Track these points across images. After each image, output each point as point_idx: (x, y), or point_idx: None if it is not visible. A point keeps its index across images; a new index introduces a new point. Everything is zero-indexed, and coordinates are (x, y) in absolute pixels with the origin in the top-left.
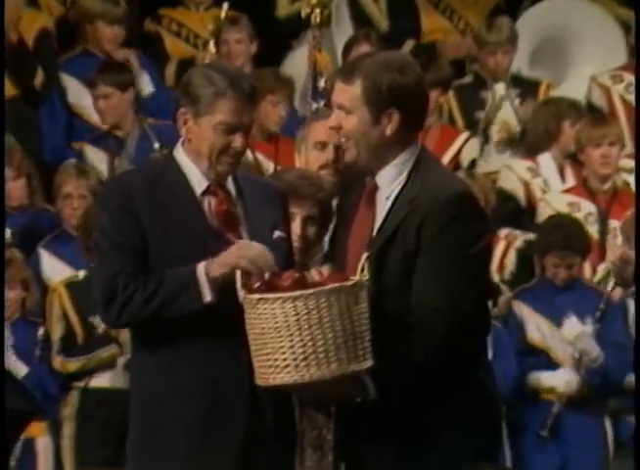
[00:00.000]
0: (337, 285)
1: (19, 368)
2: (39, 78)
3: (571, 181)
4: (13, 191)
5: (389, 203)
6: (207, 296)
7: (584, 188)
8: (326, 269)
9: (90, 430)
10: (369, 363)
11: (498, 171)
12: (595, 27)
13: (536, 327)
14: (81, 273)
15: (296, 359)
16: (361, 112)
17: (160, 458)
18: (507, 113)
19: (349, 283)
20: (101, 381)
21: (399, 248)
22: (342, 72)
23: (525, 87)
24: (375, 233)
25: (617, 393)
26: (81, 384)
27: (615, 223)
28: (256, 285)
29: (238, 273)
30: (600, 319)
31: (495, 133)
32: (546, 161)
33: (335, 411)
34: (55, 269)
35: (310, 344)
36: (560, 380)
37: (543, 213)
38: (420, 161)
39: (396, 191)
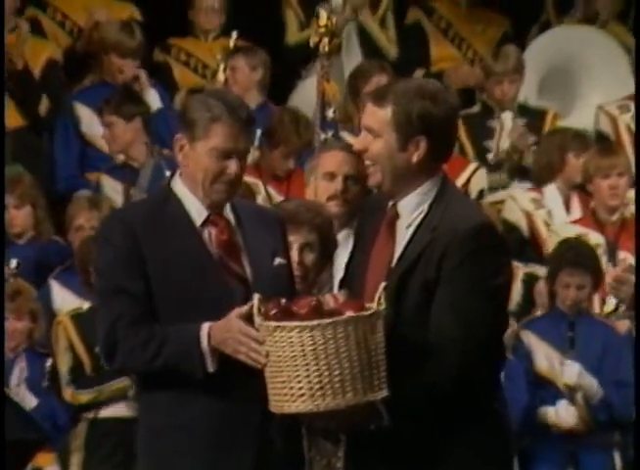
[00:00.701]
0: (354, 315)
1: (28, 399)
2: (44, 107)
3: (577, 212)
4: (15, 219)
5: (411, 231)
6: (210, 367)
7: (592, 219)
8: (341, 295)
9: (99, 459)
10: (384, 393)
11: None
12: (603, 57)
13: (545, 357)
14: (86, 305)
15: (311, 389)
16: (389, 136)
17: None
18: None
19: (367, 313)
20: (110, 411)
21: (420, 277)
22: (374, 95)
23: (532, 117)
24: (395, 262)
25: (624, 429)
26: (90, 415)
27: (623, 254)
28: (273, 312)
29: (255, 298)
30: (571, 346)
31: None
32: (551, 192)
33: (344, 439)
34: (65, 301)
35: (327, 373)
36: (561, 415)
37: (552, 244)
38: (443, 191)
39: (418, 220)
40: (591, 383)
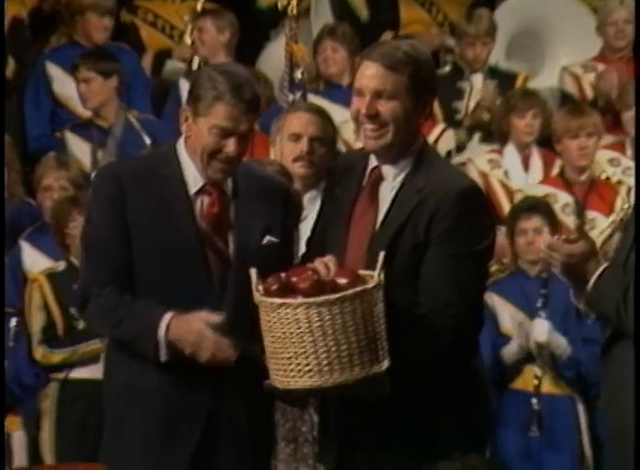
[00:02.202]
0: (359, 289)
1: None
2: (10, 68)
3: (536, 172)
4: None
5: (393, 194)
6: (163, 356)
7: (561, 179)
8: (331, 261)
9: (70, 423)
10: (387, 363)
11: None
12: (571, 19)
13: (510, 317)
14: (61, 264)
15: (319, 364)
16: (406, 98)
17: (123, 451)
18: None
19: (371, 286)
20: (82, 372)
21: (409, 240)
22: (381, 58)
23: (503, 79)
24: (379, 225)
25: (590, 386)
26: (61, 375)
27: (592, 214)
28: (274, 287)
29: (253, 274)
30: (544, 305)
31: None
32: (510, 152)
33: (315, 403)
34: (36, 262)
35: (334, 349)
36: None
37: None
38: (423, 152)
39: (401, 182)
40: (560, 340)
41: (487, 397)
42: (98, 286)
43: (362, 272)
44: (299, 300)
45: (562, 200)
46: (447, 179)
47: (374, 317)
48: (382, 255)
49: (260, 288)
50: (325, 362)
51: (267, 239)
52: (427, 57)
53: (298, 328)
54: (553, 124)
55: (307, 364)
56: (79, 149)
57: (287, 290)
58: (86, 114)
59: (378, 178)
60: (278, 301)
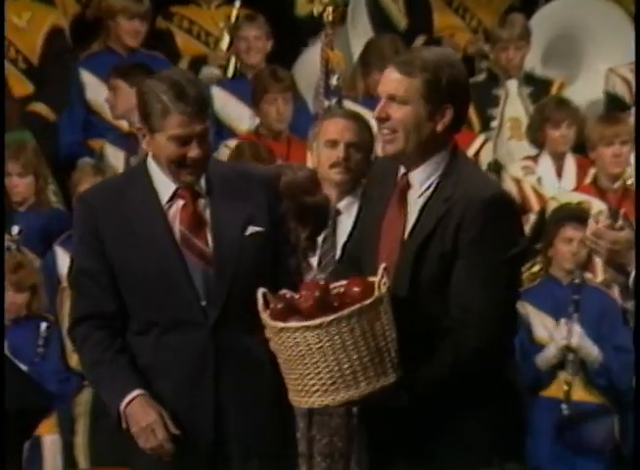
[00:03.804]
0: (357, 307)
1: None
2: (48, 75)
3: (570, 179)
4: (17, 187)
5: (422, 202)
6: (124, 424)
7: (593, 186)
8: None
9: (104, 428)
10: (398, 374)
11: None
12: (608, 24)
13: (542, 325)
14: None
15: (324, 384)
16: (418, 104)
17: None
18: (517, 110)
19: (367, 302)
20: None
21: (437, 249)
22: (399, 63)
23: (538, 86)
24: (408, 234)
25: (622, 395)
26: None
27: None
28: (278, 307)
29: (259, 295)
30: (576, 310)
31: (507, 130)
32: (544, 159)
33: (350, 419)
34: None
35: (337, 368)
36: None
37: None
38: (453, 160)
39: (429, 190)
40: (591, 347)
41: (523, 405)
42: (85, 325)
43: (372, 278)
44: (296, 323)
45: (595, 207)
46: (474, 187)
47: (376, 332)
48: (382, 267)
49: (266, 310)
50: (329, 382)
51: (251, 229)
52: (451, 64)
53: (300, 351)
54: (587, 132)
55: (313, 385)
56: (115, 156)
57: (291, 310)
58: (121, 123)
59: (406, 185)
60: (279, 325)
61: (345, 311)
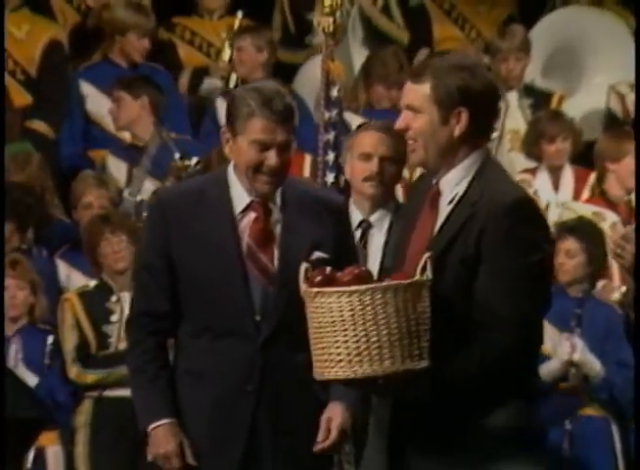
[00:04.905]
0: (394, 283)
1: (28, 377)
2: (47, 87)
3: (566, 192)
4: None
5: (451, 207)
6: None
7: (602, 199)
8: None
9: (105, 438)
10: (424, 363)
11: None
12: (608, 37)
13: (548, 337)
14: (92, 283)
15: (349, 354)
16: (431, 111)
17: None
18: (518, 122)
19: (406, 282)
20: (116, 391)
21: (459, 253)
22: (411, 73)
23: (538, 98)
24: (434, 237)
25: (624, 409)
26: (95, 394)
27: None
28: (317, 279)
29: (302, 267)
30: (578, 325)
31: (506, 142)
32: (541, 172)
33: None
34: (71, 279)
35: (364, 339)
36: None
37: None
38: (483, 166)
39: (458, 196)
40: (594, 361)
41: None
42: (140, 326)
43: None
44: (333, 288)
45: (610, 218)
46: (499, 192)
47: (409, 314)
48: (426, 255)
49: (306, 281)
50: (355, 353)
51: (316, 255)
52: (460, 68)
53: (332, 317)
54: (596, 147)
55: (339, 354)
56: (116, 168)
57: (329, 281)
58: (122, 134)
59: (436, 193)
60: (315, 290)
61: (382, 284)
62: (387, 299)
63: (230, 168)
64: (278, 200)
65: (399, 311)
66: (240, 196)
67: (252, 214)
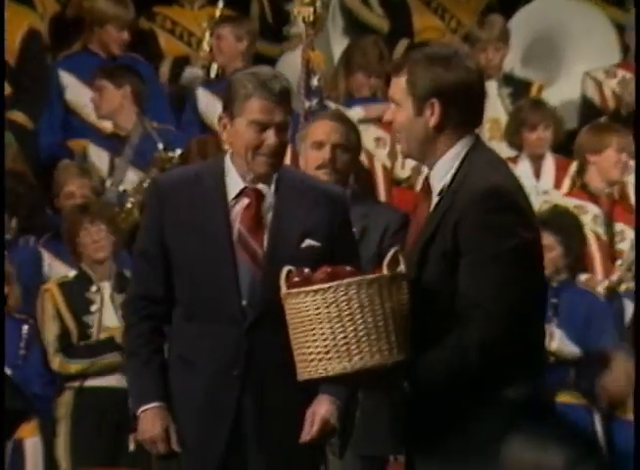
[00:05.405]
0: (357, 279)
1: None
2: (25, 77)
3: (547, 181)
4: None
5: (437, 199)
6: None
7: (584, 191)
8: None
9: (86, 429)
10: (395, 358)
11: None
12: (587, 27)
13: None
14: (72, 273)
15: (319, 353)
16: (407, 103)
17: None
18: (497, 111)
19: (368, 277)
20: (97, 381)
21: (439, 246)
22: (392, 67)
23: (517, 87)
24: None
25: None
26: (76, 384)
27: (620, 226)
28: (294, 280)
29: (283, 272)
30: (555, 314)
31: (486, 131)
32: (523, 162)
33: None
34: (53, 268)
35: (331, 337)
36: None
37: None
38: (469, 154)
39: (446, 186)
40: (572, 349)
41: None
42: (136, 309)
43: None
44: (297, 289)
45: (591, 211)
46: (474, 182)
47: (375, 309)
48: (392, 250)
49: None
50: (324, 351)
51: (307, 242)
52: (431, 58)
53: (301, 317)
54: (577, 139)
55: (310, 353)
56: (98, 157)
57: (306, 283)
58: (103, 124)
59: (427, 186)
60: (285, 291)
61: (344, 281)
62: (350, 295)
63: (227, 156)
64: (272, 185)
65: (364, 307)
66: (234, 182)
67: (245, 200)
